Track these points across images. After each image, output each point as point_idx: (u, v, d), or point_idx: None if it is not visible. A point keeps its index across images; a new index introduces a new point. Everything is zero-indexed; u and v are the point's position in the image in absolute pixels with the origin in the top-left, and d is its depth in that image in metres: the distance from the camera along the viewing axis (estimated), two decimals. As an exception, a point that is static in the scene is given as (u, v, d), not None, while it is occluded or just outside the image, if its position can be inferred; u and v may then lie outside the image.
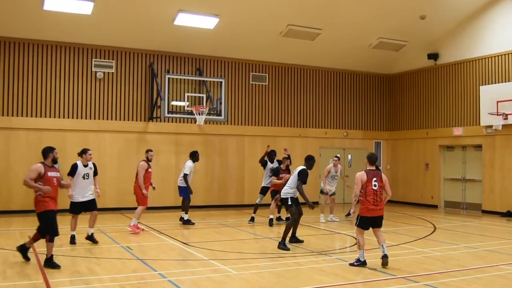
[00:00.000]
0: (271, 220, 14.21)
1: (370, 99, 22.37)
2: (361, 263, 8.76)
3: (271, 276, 8.34)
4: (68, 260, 9.18)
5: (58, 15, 15.42)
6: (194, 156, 14.42)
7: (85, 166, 10.94)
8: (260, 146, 19.28)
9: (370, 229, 8.96)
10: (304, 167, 10.87)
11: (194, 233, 12.82)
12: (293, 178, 10.93)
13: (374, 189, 8.77)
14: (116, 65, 17.62)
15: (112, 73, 17.57)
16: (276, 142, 19.05)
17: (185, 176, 14.04)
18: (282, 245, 10.47)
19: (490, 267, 9.00)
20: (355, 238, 9.25)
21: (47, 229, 8.62)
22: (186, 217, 14.21)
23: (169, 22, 16.50)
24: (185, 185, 14.02)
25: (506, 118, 16.77)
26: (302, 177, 10.75)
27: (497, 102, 17.02)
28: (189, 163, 14.24)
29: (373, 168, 8.99)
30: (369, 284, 7.68)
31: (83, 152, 11.02)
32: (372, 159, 9.08)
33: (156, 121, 17.84)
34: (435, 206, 19.70)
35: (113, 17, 16.02)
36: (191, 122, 17.85)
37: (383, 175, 9.03)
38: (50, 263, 8.54)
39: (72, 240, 10.77)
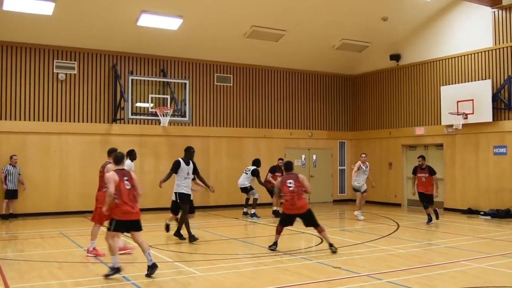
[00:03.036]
0: (275, 211, 16.15)
1: (334, 99, 22.58)
2: (116, 270, 7.95)
3: (236, 276, 8.34)
4: (29, 264, 9.00)
5: (18, 15, 15.08)
6: (131, 155, 14.17)
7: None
8: (226, 147, 19.27)
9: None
10: (179, 159, 11.78)
11: (159, 235, 12.71)
12: None
13: (127, 189, 8.14)
14: (78, 66, 17.35)
15: (74, 74, 17.29)
16: (241, 143, 19.06)
17: None
18: (176, 233, 11.80)
19: (452, 263, 9.17)
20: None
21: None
22: None
23: (132, 22, 16.33)
24: None
25: (466, 118, 17.15)
26: (172, 166, 11.76)
27: (457, 102, 17.40)
28: (127, 161, 14.06)
29: (121, 167, 8.36)
30: (333, 283, 7.74)
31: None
32: (118, 158, 8.46)
33: (120, 122, 17.64)
34: (398, 205, 20.00)
35: (75, 18, 15.76)
36: (155, 124, 17.69)
37: (132, 173, 8.43)
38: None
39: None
